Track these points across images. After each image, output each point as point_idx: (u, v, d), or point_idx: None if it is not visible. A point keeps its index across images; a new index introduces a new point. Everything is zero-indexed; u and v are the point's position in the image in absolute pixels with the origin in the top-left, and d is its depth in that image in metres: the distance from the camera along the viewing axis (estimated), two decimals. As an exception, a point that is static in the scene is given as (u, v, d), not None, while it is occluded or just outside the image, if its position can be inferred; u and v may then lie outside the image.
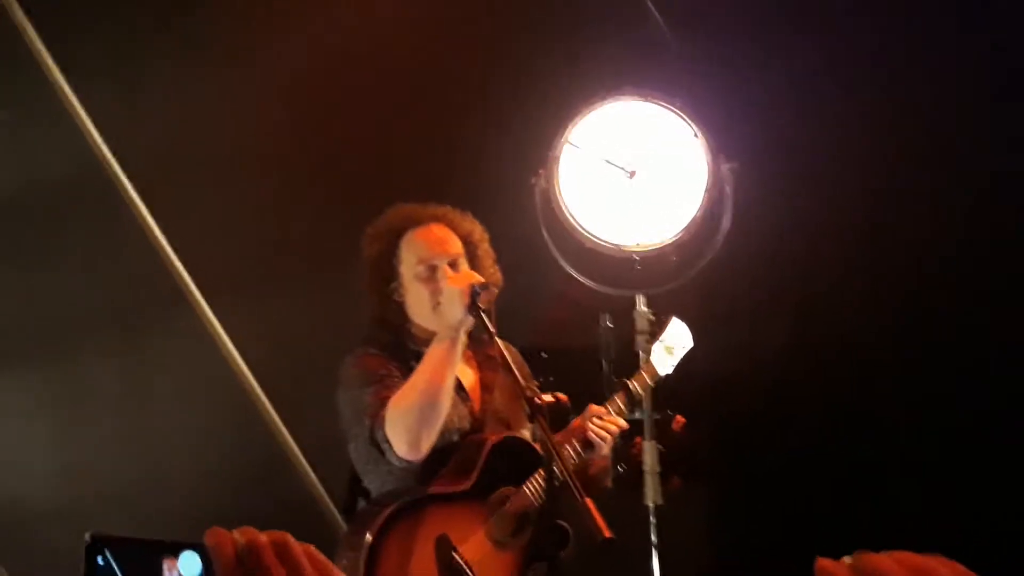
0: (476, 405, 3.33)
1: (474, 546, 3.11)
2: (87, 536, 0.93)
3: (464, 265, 3.30)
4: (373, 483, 3.25)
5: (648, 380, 3.48)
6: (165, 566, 0.95)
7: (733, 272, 4.10)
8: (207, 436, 4.44)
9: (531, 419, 2.82)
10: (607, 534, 2.56)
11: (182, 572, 0.95)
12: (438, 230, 3.33)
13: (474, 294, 3.04)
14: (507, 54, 4.48)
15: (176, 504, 4.35)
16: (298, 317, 4.49)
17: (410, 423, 3.06)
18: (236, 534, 0.95)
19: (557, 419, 2.87)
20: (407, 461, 3.11)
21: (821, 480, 4.31)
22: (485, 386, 3.37)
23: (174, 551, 0.95)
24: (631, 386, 3.41)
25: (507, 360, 2.96)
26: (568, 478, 2.72)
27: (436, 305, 3.22)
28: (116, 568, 0.93)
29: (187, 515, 4.29)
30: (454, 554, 3.04)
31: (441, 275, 3.24)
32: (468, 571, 3.02)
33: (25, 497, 4.36)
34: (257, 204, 4.52)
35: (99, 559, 0.93)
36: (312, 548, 0.98)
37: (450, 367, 3.10)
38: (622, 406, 3.36)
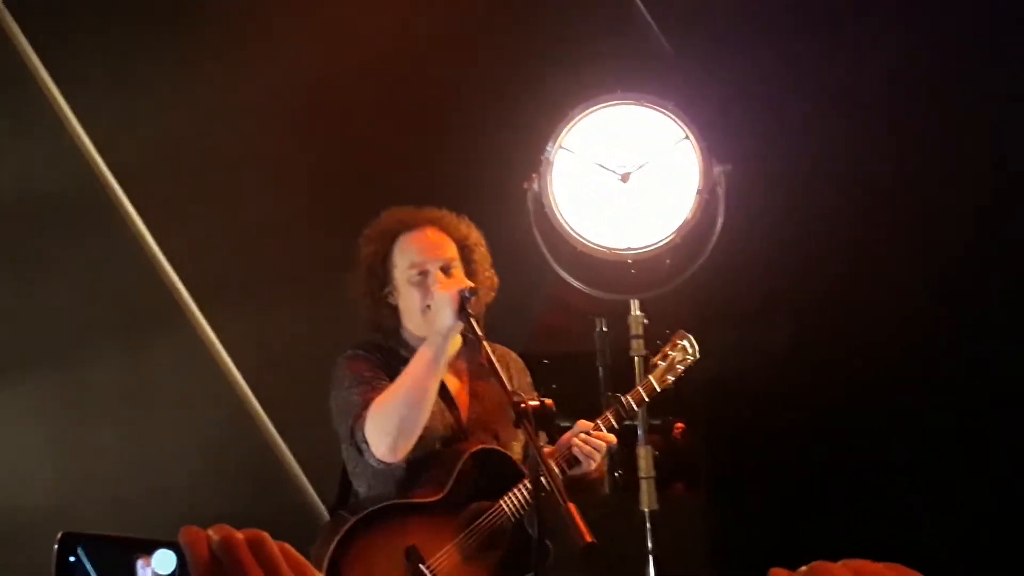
0: (463, 414, 3.29)
1: (444, 559, 3.07)
2: (58, 534, 0.91)
3: (458, 269, 3.27)
4: (360, 485, 3.24)
5: (644, 395, 3.40)
6: (139, 564, 0.94)
7: (728, 275, 4.10)
8: (203, 444, 4.44)
9: (516, 424, 2.80)
10: (588, 539, 2.55)
11: (156, 570, 0.93)
12: (432, 234, 3.29)
13: (463, 299, 3.03)
14: (498, 58, 4.48)
15: (173, 512, 4.34)
16: (293, 327, 4.48)
17: (389, 426, 3.05)
18: (211, 531, 0.95)
19: (542, 423, 2.81)
20: (384, 463, 3.09)
21: (818, 484, 4.30)
22: (474, 394, 3.32)
23: (148, 549, 0.94)
24: (624, 401, 3.36)
25: (494, 364, 2.94)
26: (551, 483, 2.72)
27: (426, 309, 3.19)
28: (88, 566, 0.92)
29: (183, 521, 4.28)
30: (421, 566, 3.04)
31: (432, 280, 3.21)
32: None
33: (22, 506, 4.36)
34: (251, 215, 4.52)
35: (71, 557, 0.92)
36: (288, 546, 0.98)
37: (435, 373, 3.09)
38: (613, 422, 3.29)
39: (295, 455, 4.54)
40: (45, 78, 4.36)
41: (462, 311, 3.02)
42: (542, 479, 2.82)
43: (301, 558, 0.97)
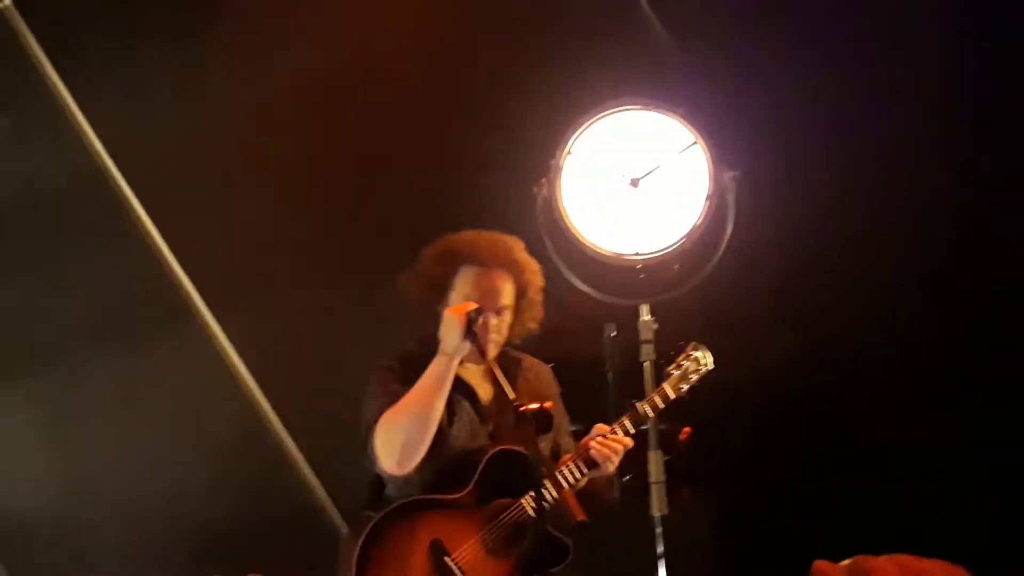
0: (492, 425, 3.37)
1: (467, 553, 3.17)
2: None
3: (508, 315, 3.35)
4: (392, 490, 3.32)
5: (659, 402, 3.43)
6: None
7: (736, 280, 4.10)
8: (209, 445, 4.43)
9: (515, 423, 2.92)
10: (581, 517, 2.76)
11: None
12: (498, 279, 3.33)
13: (470, 321, 3.15)
14: (508, 63, 4.48)
15: (178, 514, 4.35)
16: (301, 325, 4.48)
17: (395, 441, 3.17)
18: None
19: (542, 426, 2.94)
20: (392, 476, 3.21)
21: (827, 487, 4.30)
22: (501, 404, 3.37)
23: None
24: (639, 407, 3.39)
25: (499, 375, 3.14)
26: (547, 468, 2.97)
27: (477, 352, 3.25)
28: None
29: (189, 525, 4.29)
30: (446, 559, 3.15)
31: (484, 322, 3.26)
32: None
33: (25, 507, 4.35)
34: (259, 212, 4.51)
35: None
36: None
37: (440, 391, 3.20)
38: (629, 427, 3.35)
39: (304, 456, 4.54)
40: (53, 77, 4.36)
41: (469, 332, 3.15)
42: (545, 482, 3.04)
43: None
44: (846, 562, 0.88)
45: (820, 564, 0.88)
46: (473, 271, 3.32)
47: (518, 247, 3.42)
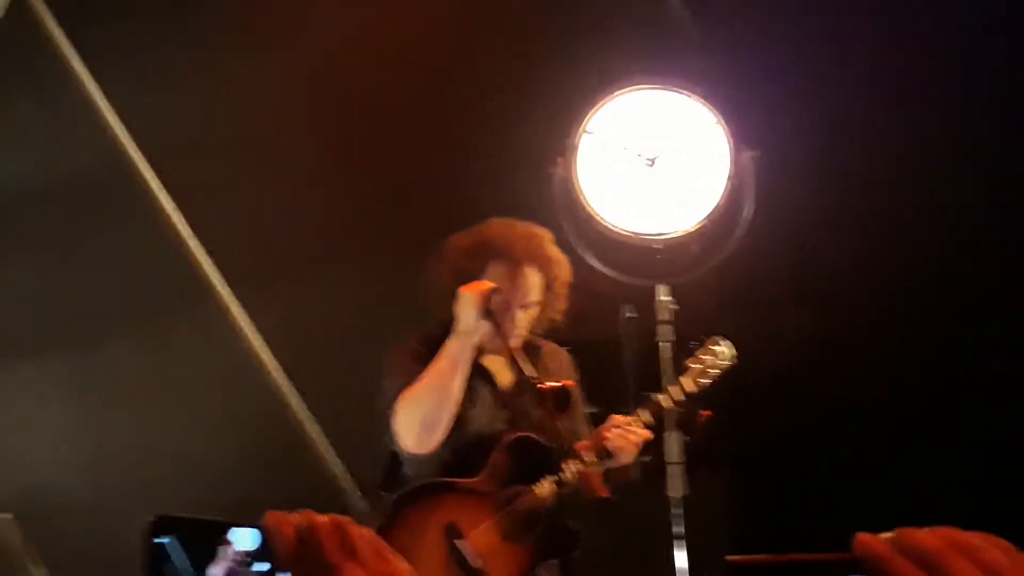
0: (511, 407, 3.37)
1: (481, 537, 3.16)
2: (151, 516, 0.95)
3: (534, 310, 3.34)
4: (409, 468, 3.32)
5: (680, 395, 3.36)
6: (223, 545, 0.97)
7: (755, 261, 4.08)
8: (231, 424, 4.47)
9: (537, 404, 2.95)
10: (604, 494, 2.78)
11: (239, 547, 0.96)
12: (529, 275, 3.31)
13: (487, 299, 3.13)
14: (526, 42, 4.47)
15: (201, 491, 4.38)
16: (321, 305, 4.51)
17: (414, 420, 3.17)
18: (295, 515, 0.97)
19: (560, 403, 2.94)
20: (413, 454, 3.21)
21: (845, 467, 4.29)
22: (520, 389, 3.38)
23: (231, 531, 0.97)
24: (658, 401, 3.36)
25: (514, 355, 3.11)
26: (567, 446, 2.95)
27: (495, 335, 3.22)
28: (177, 546, 0.96)
29: (212, 502, 4.32)
30: (458, 542, 3.13)
31: (512, 316, 3.27)
32: (473, 560, 3.10)
33: (50, 485, 4.39)
34: (279, 193, 4.53)
35: (161, 538, 0.95)
36: (369, 530, 1.00)
37: (459, 369, 3.18)
38: (650, 418, 3.31)
39: (324, 434, 4.56)
40: (73, 58, 4.38)
41: (485, 311, 3.14)
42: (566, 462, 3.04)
43: (382, 542, 1.00)
44: (888, 534, 0.87)
45: (863, 536, 0.87)
46: (504, 266, 3.29)
47: (548, 240, 3.39)
